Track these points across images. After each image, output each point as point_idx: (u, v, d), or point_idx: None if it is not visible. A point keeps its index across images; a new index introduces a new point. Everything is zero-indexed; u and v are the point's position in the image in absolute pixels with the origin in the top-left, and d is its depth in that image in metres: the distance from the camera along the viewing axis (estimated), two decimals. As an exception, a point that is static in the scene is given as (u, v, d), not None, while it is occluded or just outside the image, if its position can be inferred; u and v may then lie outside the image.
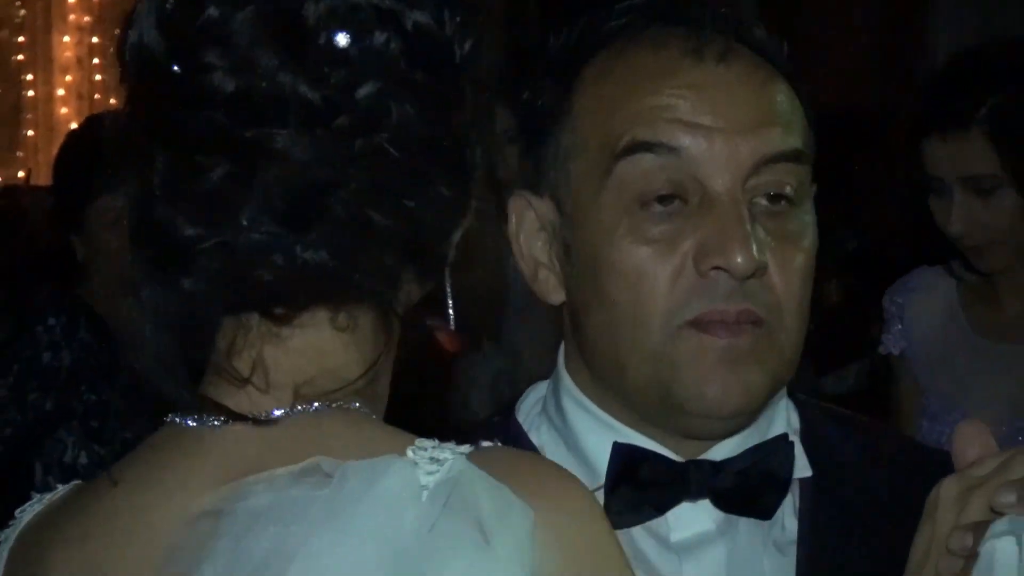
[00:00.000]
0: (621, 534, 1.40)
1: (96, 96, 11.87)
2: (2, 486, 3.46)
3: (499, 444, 1.22)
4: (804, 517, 1.48)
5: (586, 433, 1.54)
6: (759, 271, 1.39)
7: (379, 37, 1.13)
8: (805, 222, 1.45)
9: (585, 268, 1.49)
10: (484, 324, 3.98)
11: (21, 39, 12.03)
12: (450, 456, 1.13)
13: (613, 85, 1.49)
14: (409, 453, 1.13)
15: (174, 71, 1.13)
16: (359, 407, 1.21)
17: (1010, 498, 1.22)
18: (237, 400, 1.18)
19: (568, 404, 1.57)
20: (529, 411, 1.64)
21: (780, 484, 1.46)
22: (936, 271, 3.47)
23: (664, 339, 1.42)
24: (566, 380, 1.58)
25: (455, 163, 1.21)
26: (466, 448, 1.16)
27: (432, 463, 1.12)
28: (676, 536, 1.47)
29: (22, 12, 12.00)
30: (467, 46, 1.19)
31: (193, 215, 1.13)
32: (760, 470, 1.45)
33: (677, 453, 1.48)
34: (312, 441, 1.16)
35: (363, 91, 1.12)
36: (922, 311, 3.44)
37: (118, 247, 2.98)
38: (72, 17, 12.00)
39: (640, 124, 1.44)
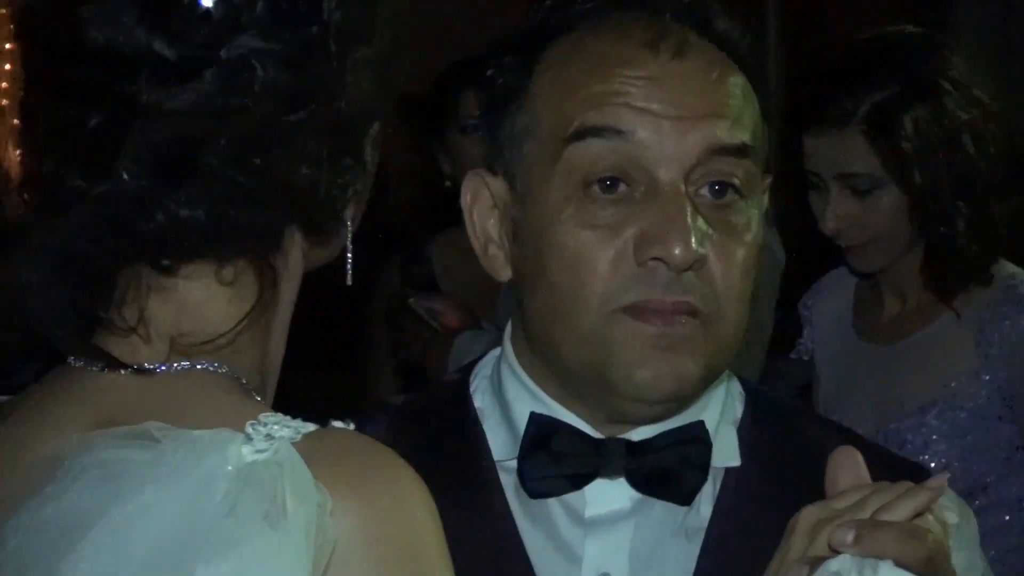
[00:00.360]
0: (536, 504, 1.49)
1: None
2: None
3: (350, 426, 1.22)
4: (718, 506, 1.48)
5: (515, 402, 1.56)
6: (698, 263, 1.39)
7: None
8: (750, 215, 1.45)
9: (531, 248, 1.50)
10: (482, 303, 4.08)
11: None
12: (286, 435, 1.13)
13: (571, 70, 1.50)
14: (248, 428, 1.14)
15: (53, 26, 1.16)
16: (226, 371, 1.22)
17: (847, 537, 1.23)
18: (121, 349, 1.20)
19: (505, 372, 1.59)
20: (479, 374, 1.67)
21: (696, 470, 1.46)
22: (843, 272, 3.47)
23: (600, 322, 1.43)
24: (508, 349, 1.60)
25: (327, 120, 1.22)
26: (308, 428, 1.16)
27: (267, 440, 1.12)
28: (590, 512, 1.49)
29: None
30: (334, 2, 1.21)
31: (76, 167, 1.15)
32: (677, 454, 1.46)
33: (599, 431, 1.49)
34: (166, 400, 1.18)
35: (227, 50, 1.15)
36: (825, 313, 3.46)
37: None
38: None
39: (591, 109, 1.45)
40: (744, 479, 1.51)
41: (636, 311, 1.42)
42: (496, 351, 1.67)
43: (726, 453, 1.51)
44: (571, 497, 1.49)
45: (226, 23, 1.15)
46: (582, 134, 1.44)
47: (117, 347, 1.21)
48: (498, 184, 1.56)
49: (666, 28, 1.46)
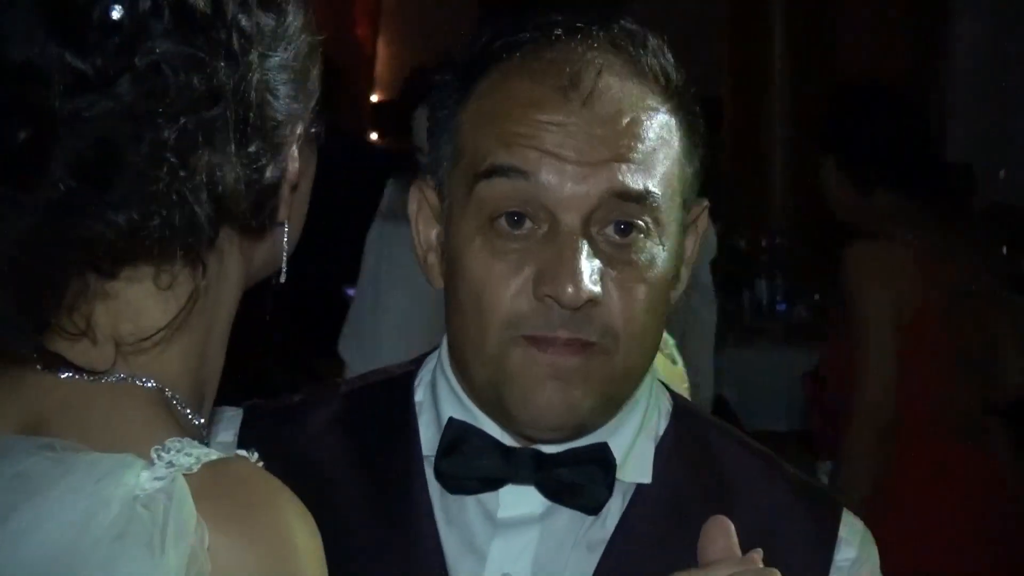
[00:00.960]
0: (455, 500, 1.56)
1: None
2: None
3: (253, 456, 1.26)
4: (623, 521, 1.52)
5: (444, 402, 1.64)
6: (590, 303, 1.44)
7: (146, 6, 1.19)
8: (653, 253, 1.48)
9: (449, 267, 1.58)
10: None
11: None
12: (184, 463, 1.17)
13: (492, 105, 1.54)
14: (152, 453, 1.18)
15: None
16: (154, 386, 1.27)
17: None
18: (74, 353, 1.24)
19: (438, 372, 1.68)
20: (426, 367, 1.74)
21: (601, 486, 1.50)
22: None
23: (500, 348, 1.49)
24: (443, 351, 1.68)
25: (240, 120, 1.24)
26: (211, 456, 1.21)
27: (167, 467, 1.17)
28: (502, 513, 1.55)
29: None
30: (238, 8, 1.25)
31: (9, 179, 1.19)
32: (582, 470, 1.51)
33: (513, 440, 1.56)
34: (94, 411, 1.24)
35: (139, 57, 1.17)
36: None
37: None
38: None
39: (501, 147, 1.50)
40: (652, 496, 1.55)
41: (533, 340, 1.47)
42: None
43: (637, 470, 1.55)
44: (486, 497, 1.56)
45: (135, 32, 1.18)
46: (491, 172, 1.49)
47: (69, 351, 1.24)
48: (435, 197, 1.63)
49: (581, 72, 1.49)
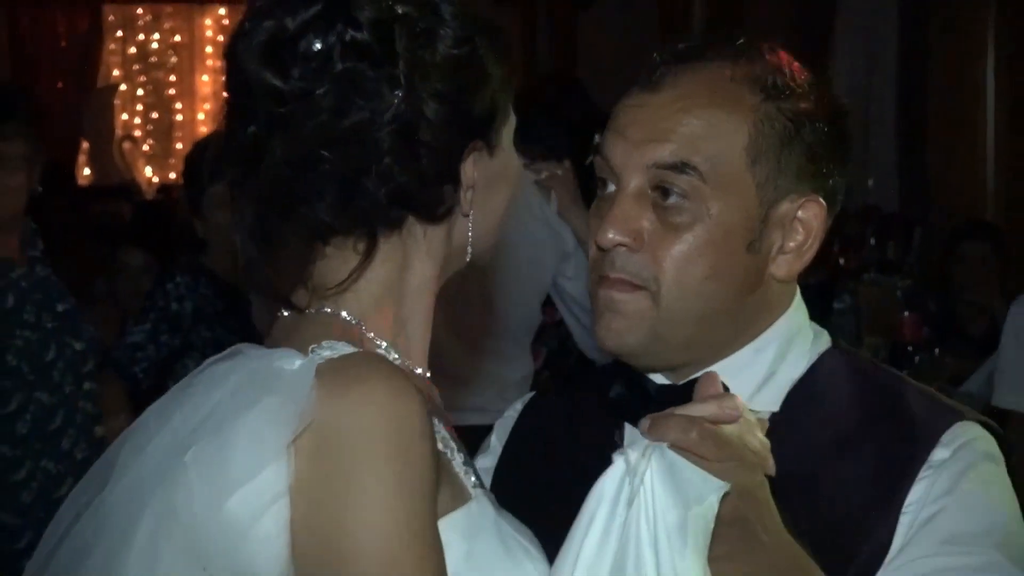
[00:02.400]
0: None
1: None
2: (147, 405, 3.64)
3: (390, 354, 1.40)
4: None
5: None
6: (632, 247, 1.46)
7: (332, 41, 1.34)
8: (696, 216, 1.44)
9: None
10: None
11: (173, 78, 13.08)
12: (325, 355, 1.32)
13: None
14: (309, 351, 1.33)
15: (233, 70, 1.42)
16: (337, 314, 1.42)
17: (644, 425, 1.28)
18: (296, 297, 1.44)
19: None
20: None
21: None
22: None
23: (592, 288, 1.55)
24: None
25: (407, 135, 1.36)
26: (348, 351, 1.34)
27: (314, 358, 1.31)
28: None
29: (173, 59, 13.07)
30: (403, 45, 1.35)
31: (240, 165, 1.41)
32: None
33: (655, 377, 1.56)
34: (296, 332, 1.42)
35: (331, 79, 1.34)
36: None
37: (224, 223, 3.40)
38: (210, 62, 13.04)
39: (603, 132, 1.57)
40: (779, 424, 1.46)
41: (598, 279, 1.51)
42: None
43: (764, 402, 1.48)
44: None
45: (327, 60, 1.33)
46: (596, 150, 1.55)
47: (294, 295, 1.44)
48: None
49: (661, 71, 1.49)
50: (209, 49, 13.08)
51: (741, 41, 1.51)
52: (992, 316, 4.79)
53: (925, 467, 1.40)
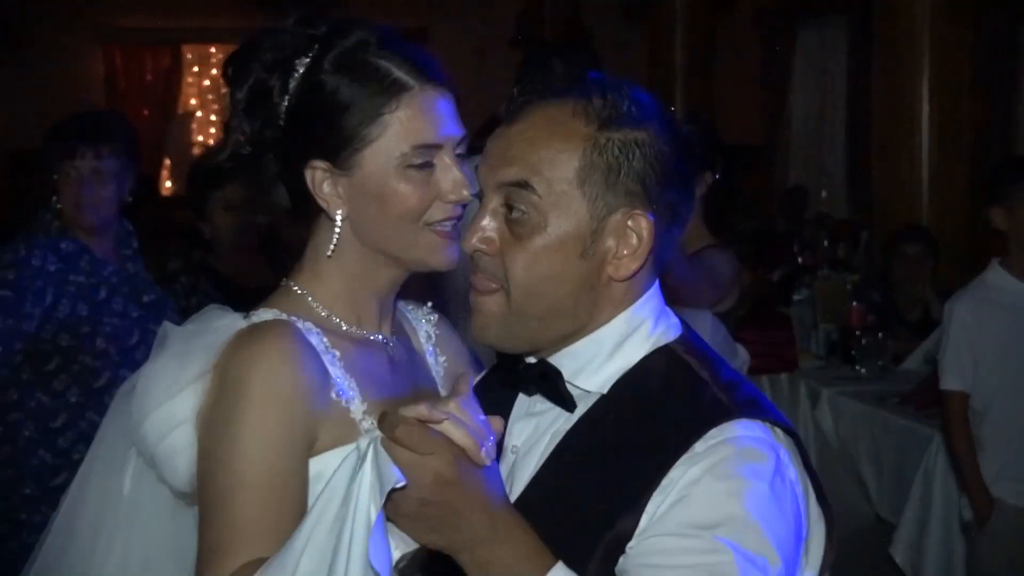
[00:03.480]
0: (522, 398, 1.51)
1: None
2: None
3: (292, 319, 1.51)
4: (579, 419, 1.44)
5: None
6: (487, 251, 1.43)
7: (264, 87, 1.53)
8: (534, 227, 1.40)
9: None
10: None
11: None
12: (244, 323, 1.49)
13: None
14: (244, 316, 1.51)
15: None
16: (291, 283, 1.57)
17: (381, 417, 1.28)
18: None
19: None
20: None
21: (557, 389, 1.44)
22: None
23: (469, 293, 1.50)
24: None
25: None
26: (265, 317, 1.51)
27: (244, 323, 1.49)
28: (518, 407, 1.51)
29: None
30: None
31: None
32: (546, 378, 1.45)
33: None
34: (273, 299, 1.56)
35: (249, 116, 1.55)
36: None
37: (226, 225, 3.46)
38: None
39: None
40: (602, 406, 1.42)
41: (470, 287, 1.47)
42: None
43: (595, 383, 1.43)
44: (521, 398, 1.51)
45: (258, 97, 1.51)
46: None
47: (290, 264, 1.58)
48: None
49: (516, 103, 1.46)
50: None
51: (589, 79, 1.45)
52: (926, 305, 4.77)
53: (684, 457, 1.32)
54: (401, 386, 1.60)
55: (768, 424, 1.35)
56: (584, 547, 1.33)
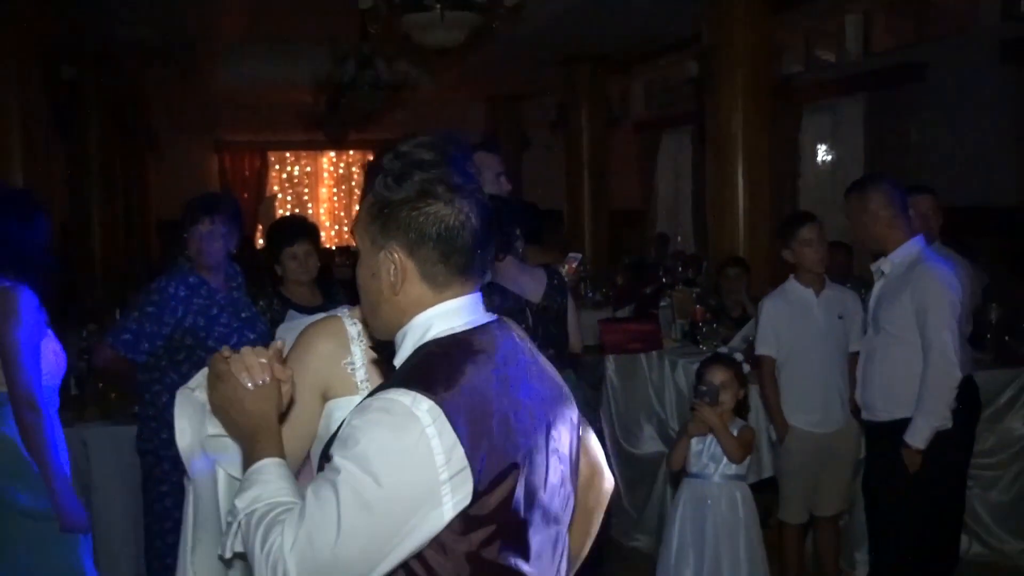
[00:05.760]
0: None
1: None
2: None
3: (344, 312, 1.42)
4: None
5: None
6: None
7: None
8: (359, 259, 1.23)
9: None
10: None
11: (306, 191, 12.70)
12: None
13: None
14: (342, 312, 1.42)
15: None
16: (346, 314, 1.42)
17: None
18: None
19: None
20: None
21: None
22: None
23: None
24: None
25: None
26: (335, 313, 1.42)
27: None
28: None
29: (306, 180, 12.73)
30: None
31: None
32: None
33: None
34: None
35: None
36: None
37: (293, 269, 3.32)
38: (323, 185, 12.80)
39: None
40: (389, 375, 1.21)
41: None
42: None
43: (395, 367, 1.20)
44: None
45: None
46: None
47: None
48: None
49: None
50: (325, 175, 12.99)
51: (396, 149, 1.23)
52: (743, 306, 4.73)
53: (358, 405, 1.15)
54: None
55: (417, 394, 1.10)
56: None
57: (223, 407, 1.21)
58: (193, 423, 1.32)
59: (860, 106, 6.80)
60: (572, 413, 1.29)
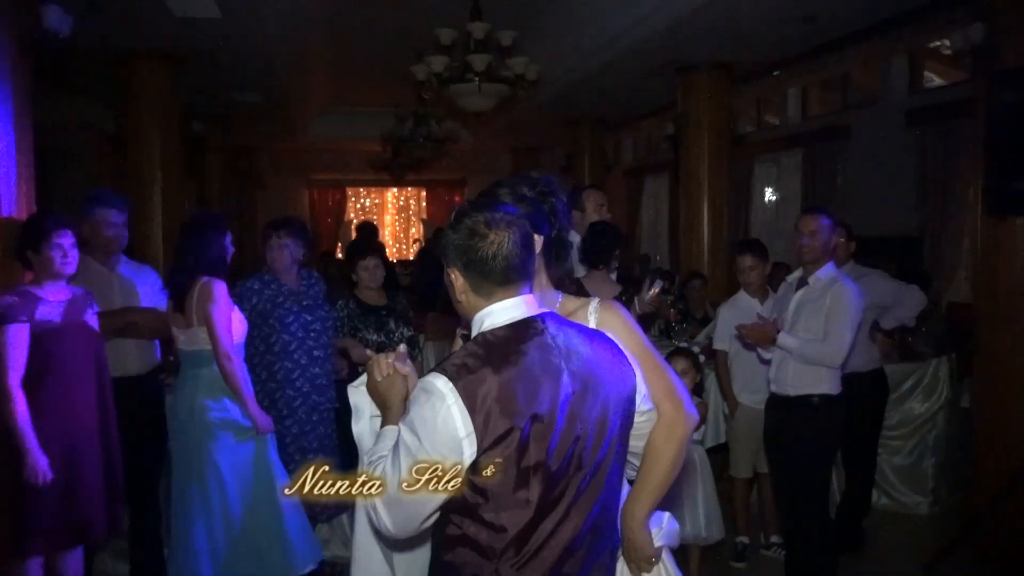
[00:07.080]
0: None
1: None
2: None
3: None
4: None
5: None
6: None
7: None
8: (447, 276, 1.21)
9: None
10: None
11: (375, 218, 12.03)
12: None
13: None
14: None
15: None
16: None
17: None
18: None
19: None
20: None
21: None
22: None
23: None
24: None
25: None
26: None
27: None
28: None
29: (375, 210, 12.38)
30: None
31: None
32: None
33: None
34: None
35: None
36: None
37: (366, 277, 3.18)
38: (388, 215, 12.52)
39: None
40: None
41: None
42: None
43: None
44: None
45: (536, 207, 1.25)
46: None
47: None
48: None
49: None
50: (389, 206, 12.82)
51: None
52: (705, 311, 4.65)
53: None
54: None
55: (444, 379, 1.12)
56: None
57: (368, 391, 1.31)
58: (361, 406, 1.37)
59: (798, 158, 6.62)
60: (617, 388, 1.23)
